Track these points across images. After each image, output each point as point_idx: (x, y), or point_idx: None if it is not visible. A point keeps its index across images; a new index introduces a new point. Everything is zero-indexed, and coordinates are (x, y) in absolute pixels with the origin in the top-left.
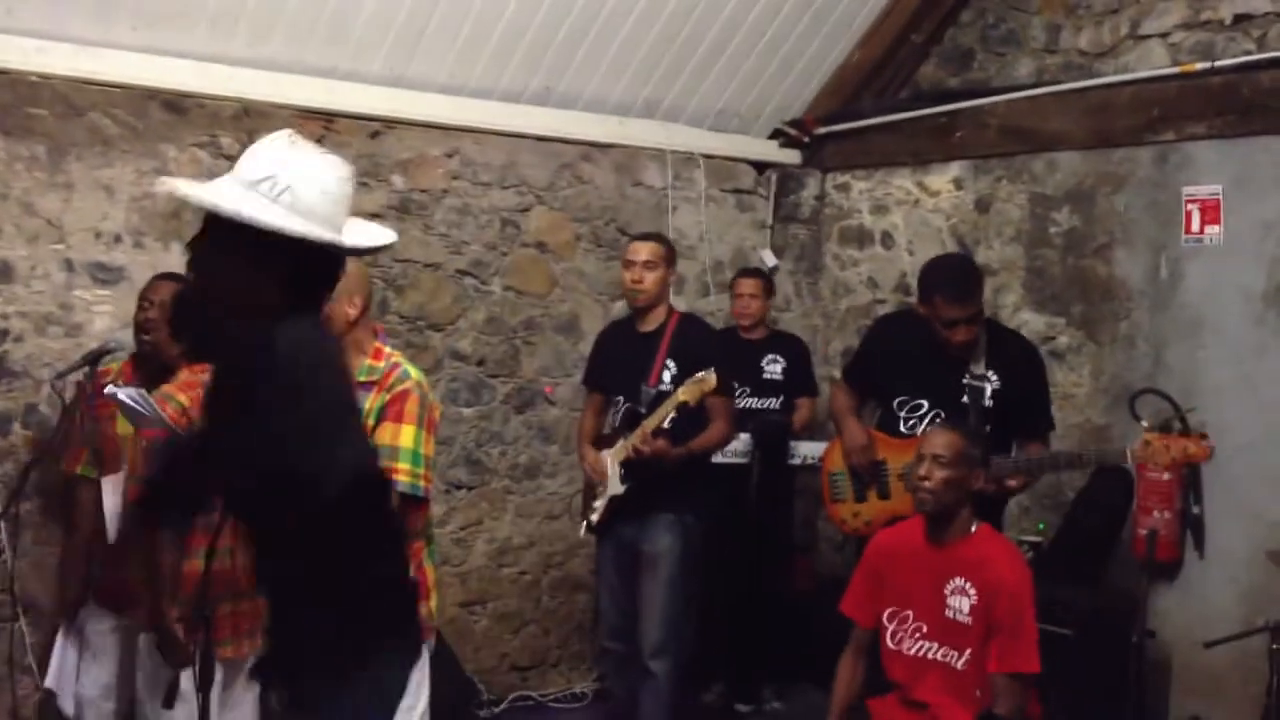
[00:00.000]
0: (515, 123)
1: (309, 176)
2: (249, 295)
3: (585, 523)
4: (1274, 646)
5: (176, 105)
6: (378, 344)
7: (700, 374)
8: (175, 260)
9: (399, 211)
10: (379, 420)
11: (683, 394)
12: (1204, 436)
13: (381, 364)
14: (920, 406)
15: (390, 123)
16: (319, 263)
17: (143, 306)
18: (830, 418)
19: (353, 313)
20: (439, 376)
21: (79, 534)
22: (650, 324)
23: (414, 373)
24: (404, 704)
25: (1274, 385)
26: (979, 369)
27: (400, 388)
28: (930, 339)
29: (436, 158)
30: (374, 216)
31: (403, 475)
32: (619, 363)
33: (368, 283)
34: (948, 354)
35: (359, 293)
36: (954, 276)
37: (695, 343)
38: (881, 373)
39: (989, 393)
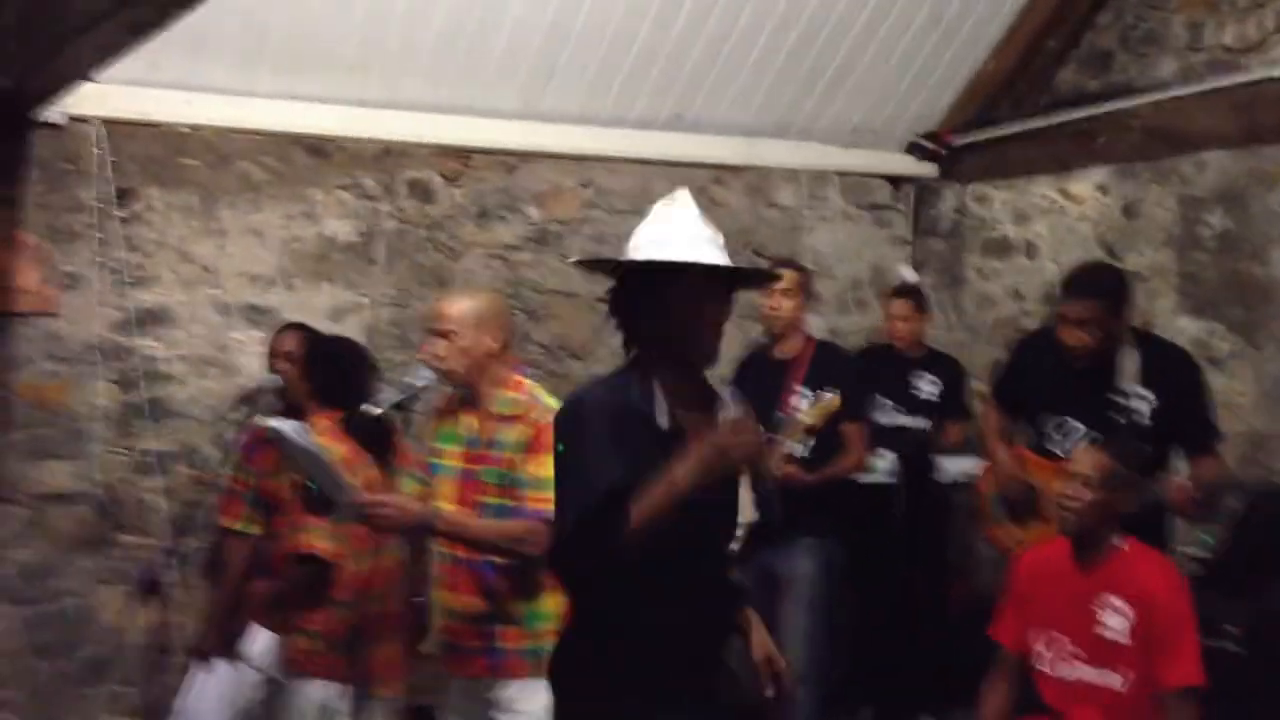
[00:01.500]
0: (647, 149)
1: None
2: None
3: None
4: None
5: (319, 149)
6: (516, 376)
7: (826, 396)
8: (323, 300)
9: (536, 243)
10: (526, 452)
11: (806, 418)
12: None
13: (523, 396)
14: (1066, 425)
15: (525, 155)
16: None
17: (274, 355)
18: (980, 436)
19: (493, 345)
20: None
21: (225, 590)
22: (786, 351)
23: (553, 402)
24: None
25: None
26: (1129, 386)
27: (544, 419)
28: (1069, 361)
29: (571, 188)
30: (511, 249)
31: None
32: (754, 390)
33: (507, 315)
34: (1090, 371)
35: (497, 325)
36: (1077, 274)
37: (830, 369)
38: (1028, 391)
39: (1147, 411)
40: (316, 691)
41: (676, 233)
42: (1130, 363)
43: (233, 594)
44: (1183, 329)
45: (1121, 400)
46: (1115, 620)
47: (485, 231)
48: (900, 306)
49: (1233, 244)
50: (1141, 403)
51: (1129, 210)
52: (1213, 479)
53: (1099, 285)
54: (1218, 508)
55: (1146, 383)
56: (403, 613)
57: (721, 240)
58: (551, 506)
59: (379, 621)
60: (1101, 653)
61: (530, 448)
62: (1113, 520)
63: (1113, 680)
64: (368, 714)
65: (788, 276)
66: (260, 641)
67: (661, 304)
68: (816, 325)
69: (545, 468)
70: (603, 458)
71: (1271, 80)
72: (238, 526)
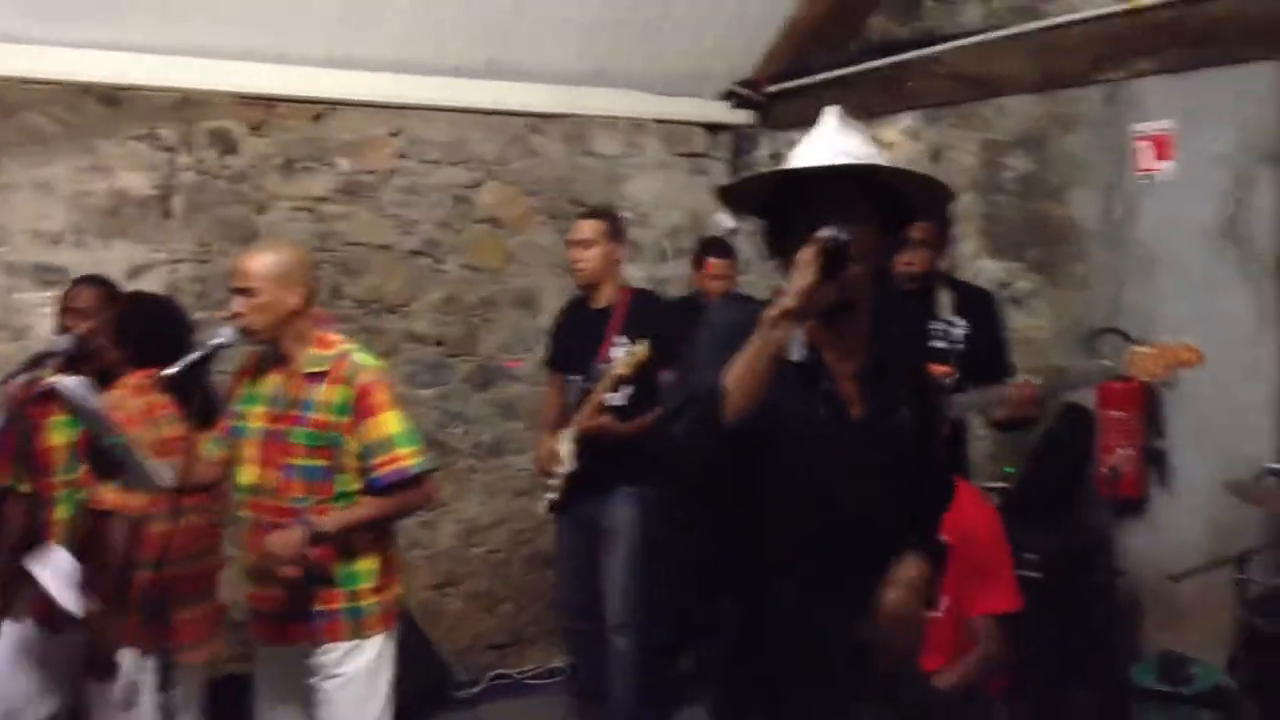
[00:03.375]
0: (461, 97)
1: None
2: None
3: (545, 502)
4: (1238, 577)
5: (112, 98)
6: (322, 333)
7: (634, 346)
8: (118, 257)
9: (346, 194)
10: (353, 416)
11: (620, 367)
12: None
13: (329, 353)
14: None
15: (333, 104)
16: None
17: (68, 312)
18: None
19: (295, 301)
20: (396, 359)
21: (2, 549)
22: (602, 301)
23: (370, 359)
24: (359, 693)
25: (1230, 318)
26: (947, 315)
27: (362, 380)
28: (896, 295)
29: (382, 137)
30: (320, 201)
31: (411, 458)
32: (573, 341)
33: (310, 270)
34: (912, 303)
35: (300, 280)
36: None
37: (646, 318)
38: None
39: (960, 336)
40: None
41: (817, 145)
42: (945, 297)
43: (9, 553)
44: (986, 269)
45: (941, 328)
46: None
47: (292, 183)
48: (718, 265)
49: (1033, 186)
50: (958, 330)
51: (935, 154)
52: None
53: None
54: (1045, 411)
55: (959, 314)
56: (209, 576)
57: (875, 152)
58: (414, 458)
59: (182, 585)
60: None
61: (360, 412)
62: None
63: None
64: (172, 682)
65: (586, 227)
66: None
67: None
68: (635, 274)
69: (383, 427)
70: (709, 367)
71: (1069, 24)
72: (8, 483)
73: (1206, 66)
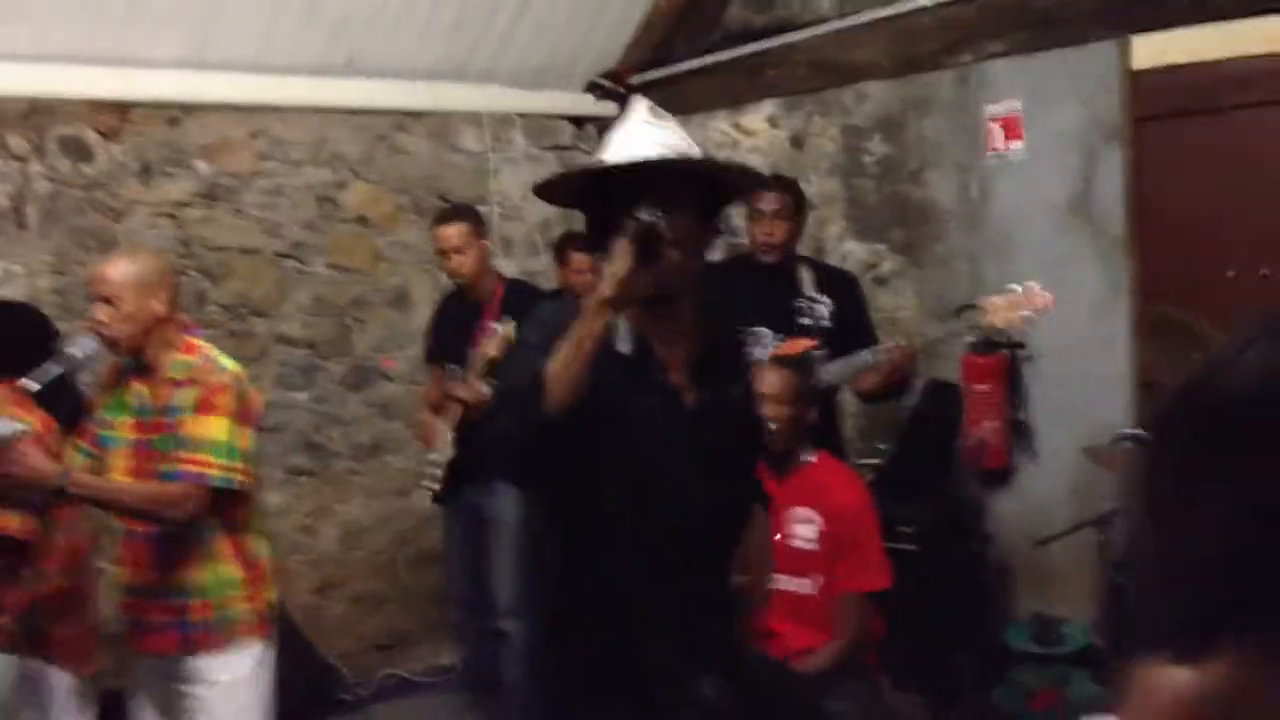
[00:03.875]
0: (322, 97)
1: (686, 131)
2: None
3: (427, 493)
4: (1101, 539)
5: None
6: (188, 339)
7: (502, 327)
8: None
9: (206, 198)
10: (193, 413)
11: (490, 348)
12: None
13: (196, 359)
14: (758, 334)
15: (190, 107)
16: None
17: None
18: None
19: (159, 308)
20: (266, 362)
21: None
22: (477, 294)
23: (229, 364)
24: (236, 701)
25: (1081, 292)
26: (810, 292)
27: (213, 381)
28: (757, 272)
29: (242, 139)
30: (181, 206)
31: (213, 469)
32: (451, 334)
33: (171, 276)
34: (776, 280)
35: (162, 287)
36: (773, 175)
37: (520, 305)
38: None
39: (825, 313)
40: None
41: (631, 137)
42: (807, 274)
43: None
44: (851, 252)
45: (806, 305)
46: (805, 529)
47: (150, 189)
48: (580, 260)
49: (892, 169)
50: (822, 307)
51: (797, 141)
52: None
53: (785, 182)
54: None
55: (821, 292)
56: (84, 592)
57: (686, 143)
58: (216, 470)
59: (60, 599)
60: (793, 561)
61: (197, 408)
62: (803, 433)
63: (803, 585)
64: (48, 695)
65: (456, 232)
66: None
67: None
68: (506, 269)
69: (206, 428)
70: (527, 361)
71: (922, 10)
72: None
73: (1051, 48)
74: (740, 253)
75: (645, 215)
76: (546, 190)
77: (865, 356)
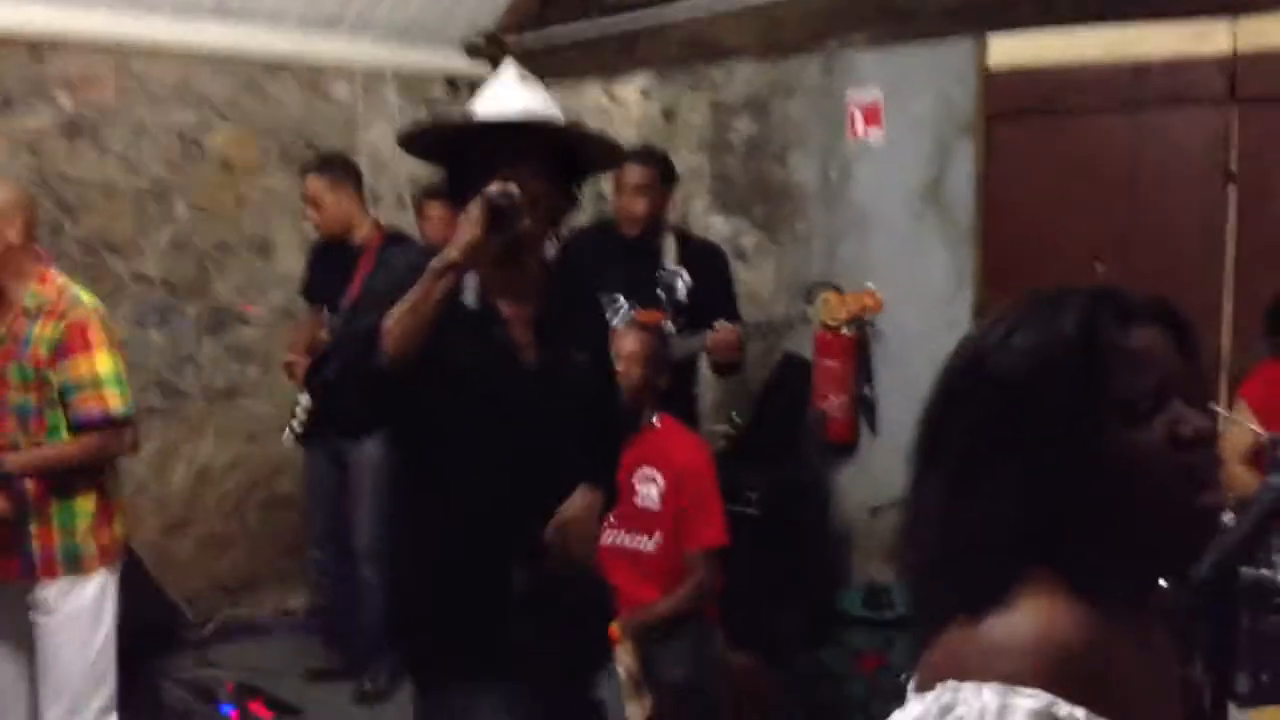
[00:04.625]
0: (189, 38)
1: (549, 97)
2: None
3: (289, 433)
4: None
5: None
6: (43, 269)
7: None
8: None
9: (68, 131)
10: (59, 354)
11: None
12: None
13: (50, 290)
14: (616, 302)
15: (55, 41)
16: None
17: None
18: None
19: (12, 237)
20: (121, 300)
21: None
22: (355, 240)
23: (86, 297)
24: (80, 630)
25: (931, 275)
26: (672, 266)
27: (74, 316)
28: (620, 240)
29: (106, 76)
30: (41, 137)
31: (115, 400)
32: (325, 275)
33: (30, 206)
34: (638, 252)
35: (18, 216)
36: (642, 147)
37: (395, 256)
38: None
39: (683, 289)
40: None
41: (499, 97)
42: (671, 248)
43: None
44: (714, 226)
45: (665, 277)
46: (649, 489)
47: (11, 120)
48: (435, 208)
49: (757, 148)
50: (680, 282)
51: (668, 114)
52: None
53: (653, 155)
54: (743, 356)
55: (683, 265)
56: None
57: (551, 108)
58: (118, 401)
59: None
60: (635, 519)
61: (66, 348)
62: (653, 396)
63: (644, 543)
64: None
65: (312, 184)
66: None
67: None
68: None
69: (92, 365)
70: (371, 309)
71: None
72: None
73: (910, 40)
74: (606, 222)
75: (498, 188)
76: (410, 141)
77: (700, 337)
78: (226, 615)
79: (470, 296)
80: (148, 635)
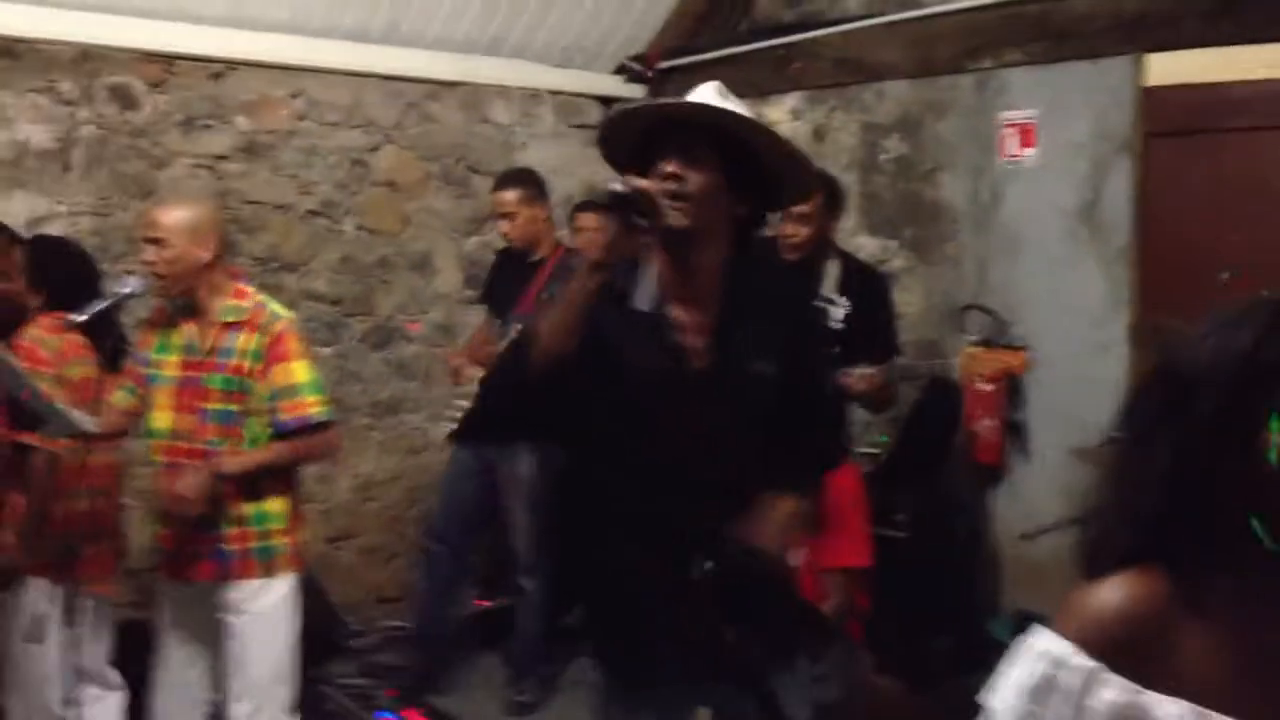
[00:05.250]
0: (359, 62)
1: (752, 116)
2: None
3: (446, 429)
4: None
5: (10, 50)
6: (238, 284)
7: None
8: (17, 208)
9: (245, 153)
10: (264, 362)
11: None
12: (1023, 349)
13: (247, 303)
14: None
15: (232, 64)
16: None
17: None
18: None
19: (206, 255)
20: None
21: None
22: (537, 253)
23: (282, 311)
24: (269, 630)
25: (1085, 296)
26: (829, 292)
27: (277, 328)
28: (779, 264)
29: (281, 98)
30: (219, 159)
31: (315, 406)
32: (504, 285)
33: (221, 225)
34: (797, 278)
35: (211, 235)
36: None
37: (569, 274)
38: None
39: (840, 316)
40: (28, 593)
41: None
42: (833, 271)
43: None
44: (863, 245)
45: (823, 304)
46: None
47: (191, 141)
48: (588, 219)
49: (907, 168)
50: (837, 309)
51: (818, 134)
52: (888, 372)
53: (821, 182)
54: (893, 393)
55: (843, 292)
56: (111, 514)
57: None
58: (318, 407)
59: (88, 520)
60: None
61: (269, 357)
62: None
63: (791, 559)
64: (79, 615)
65: (512, 197)
66: None
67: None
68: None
69: (292, 374)
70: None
71: (944, 15)
72: None
73: (1068, 59)
74: (766, 243)
75: (618, 185)
76: (609, 142)
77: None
78: (386, 625)
79: (645, 300)
80: (313, 641)
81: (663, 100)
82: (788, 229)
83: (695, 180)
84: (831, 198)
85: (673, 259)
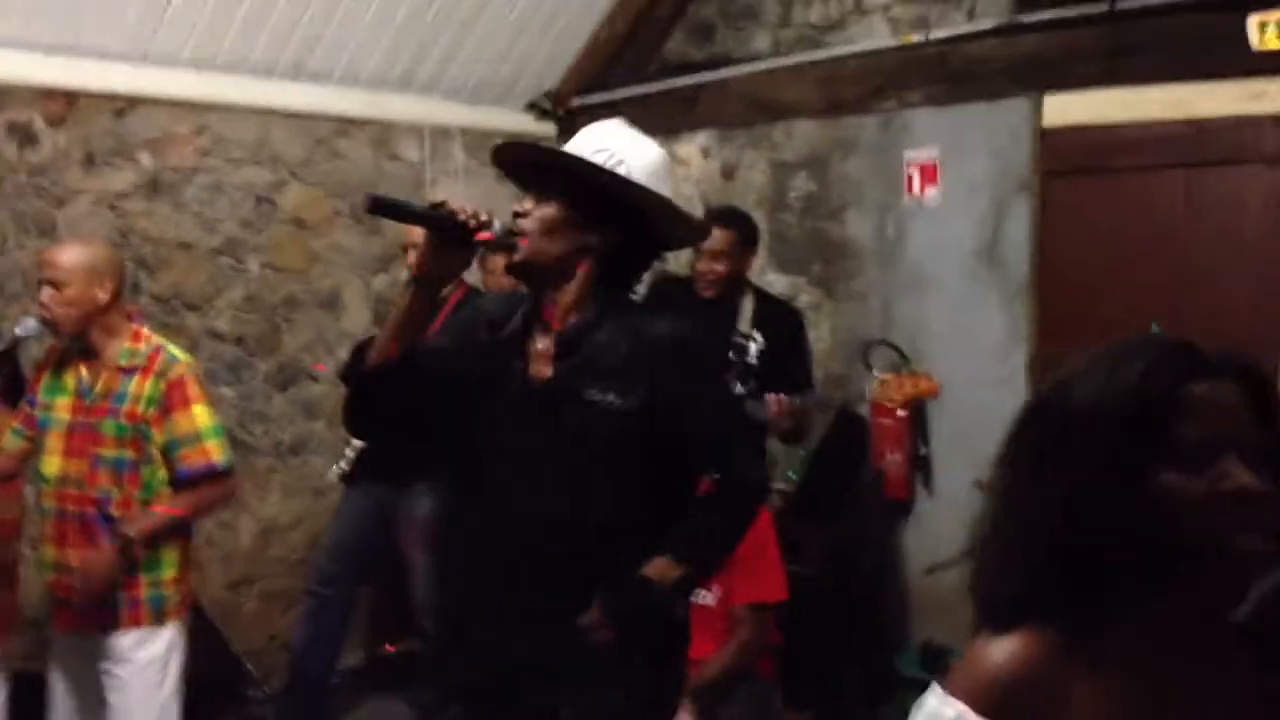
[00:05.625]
0: (266, 98)
1: (641, 154)
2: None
3: (337, 470)
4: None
5: None
6: (135, 327)
7: None
8: None
9: (148, 190)
10: (161, 409)
11: None
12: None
13: (143, 346)
14: None
15: (135, 100)
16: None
17: None
18: None
19: (103, 297)
20: (197, 357)
21: None
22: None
23: (180, 354)
24: (152, 679)
25: (986, 332)
26: (744, 328)
27: (174, 374)
28: (696, 299)
29: (185, 135)
30: (122, 197)
31: (216, 452)
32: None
33: (119, 266)
34: (714, 311)
35: (109, 276)
36: (717, 210)
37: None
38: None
39: (754, 351)
40: None
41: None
42: (747, 309)
43: None
44: (771, 282)
45: (739, 340)
46: None
47: (93, 178)
48: (496, 260)
49: (815, 205)
50: (753, 344)
51: (728, 172)
52: (802, 402)
53: (734, 218)
54: (807, 424)
55: (758, 327)
56: (8, 569)
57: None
58: (220, 453)
59: None
60: None
61: (168, 405)
62: None
63: (704, 597)
64: None
65: (417, 235)
66: None
67: None
68: None
69: (192, 421)
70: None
71: (850, 57)
72: None
73: (968, 100)
74: (684, 278)
75: (438, 209)
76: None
77: (762, 405)
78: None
79: (510, 328)
80: (212, 690)
81: (505, 144)
82: (701, 266)
83: (536, 215)
84: (746, 235)
85: (532, 289)
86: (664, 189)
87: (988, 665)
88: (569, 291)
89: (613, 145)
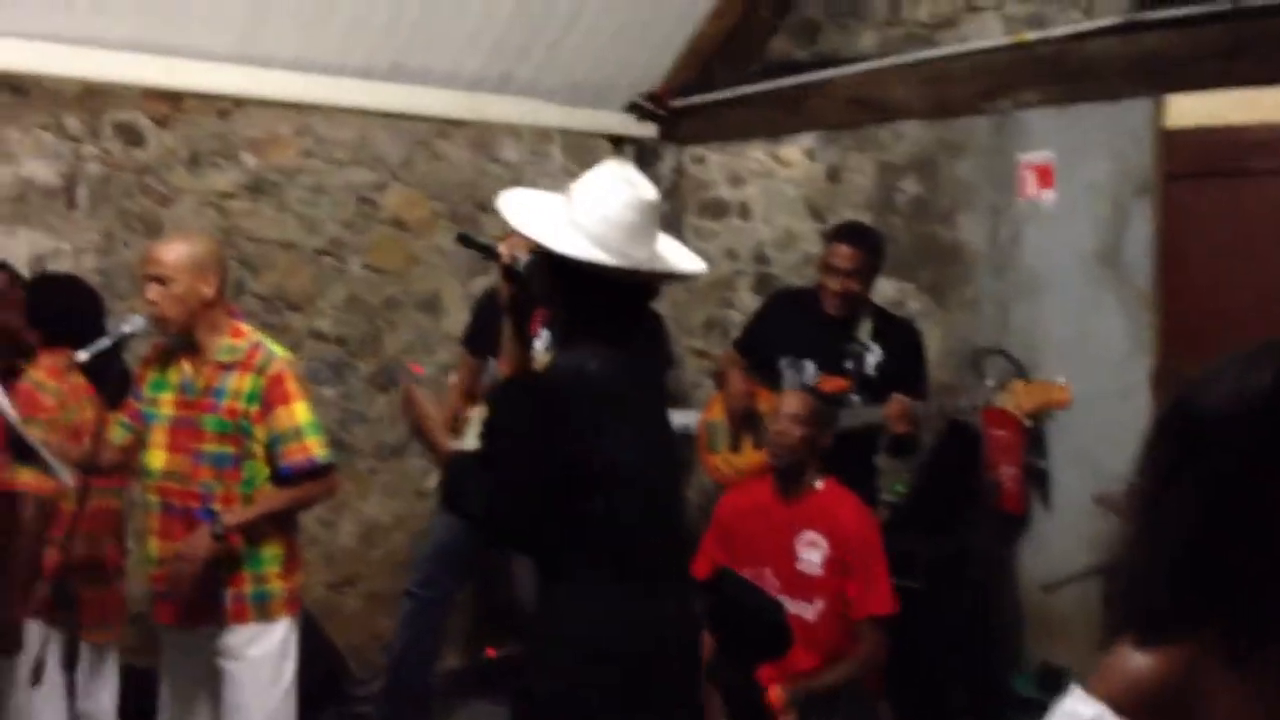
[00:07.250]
0: (367, 99)
1: (592, 200)
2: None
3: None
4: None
5: (17, 87)
6: (235, 323)
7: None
8: (20, 245)
9: (252, 191)
10: (262, 405)
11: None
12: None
13: (243, 343)
14: (799, 362)
15: (239, 101)
16: (605, 287)
17: None
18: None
19: (208, 292)
20: (299, 357)
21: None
22: None
23: (279, 350)
24: (266, 676)
25: (1107, 341)
26: (864, 339)
27: (274, 369)
28: (819, 310)
29: (288, 135)
30: (226, 196)
31: (317, 448)
32: (492, 325)
33: (223, 261)
34: (834, 322)
35: (213, 271)
36: (850, 226)
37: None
38: (771, 339)
39: (872, 363)
40: (27, 638)
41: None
42: (867, 322)
43: None
44: (880, 289)
45: (857, 349)
46: (811, 554)
47: (198, 178)
48: None
49: (923, 209)
50: (871, 356)
51: (832, 175)
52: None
53: (866, 238)
54: (920, 435)
55: (875, 340)
56: (114, 559)
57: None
58: (320, 449)
59: (88, 565)
60: (797, 584)
61: (267, 399)
62: (815, 457)
63: (805, 610)
64: (78, 659)
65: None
66: None
67: None
68: None
69: (293, 416)
70: None
71: (960, 56)
72: None
73: (1086, 101)
74: (809, 290)
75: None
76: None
77: (876, 409)
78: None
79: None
80: (316, 687)
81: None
82: (832, 282)
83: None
84: (878, 255)
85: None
86: (622, 237)
87: (1131, 670)
88: (555, 325)
89: (582, 194)
